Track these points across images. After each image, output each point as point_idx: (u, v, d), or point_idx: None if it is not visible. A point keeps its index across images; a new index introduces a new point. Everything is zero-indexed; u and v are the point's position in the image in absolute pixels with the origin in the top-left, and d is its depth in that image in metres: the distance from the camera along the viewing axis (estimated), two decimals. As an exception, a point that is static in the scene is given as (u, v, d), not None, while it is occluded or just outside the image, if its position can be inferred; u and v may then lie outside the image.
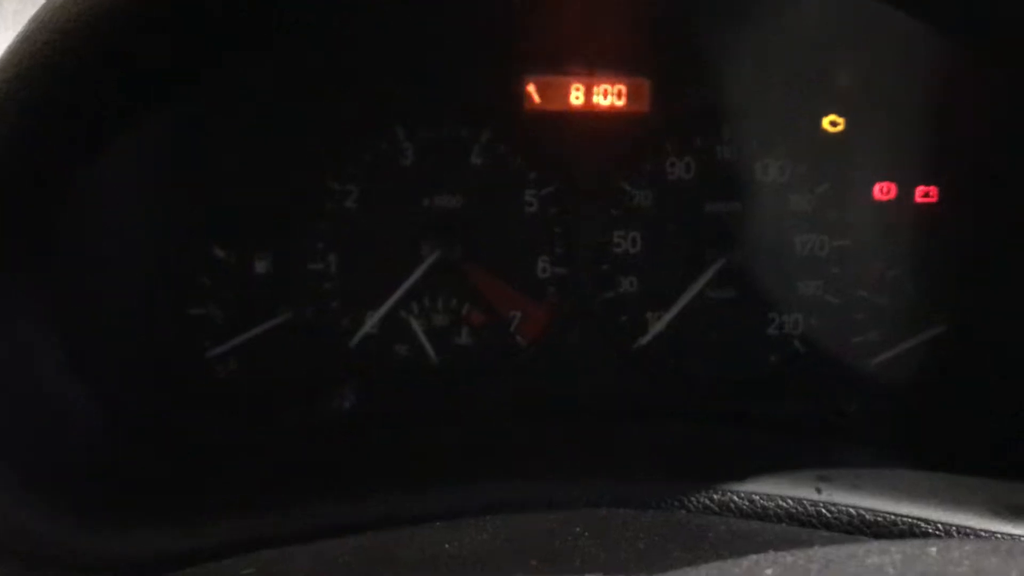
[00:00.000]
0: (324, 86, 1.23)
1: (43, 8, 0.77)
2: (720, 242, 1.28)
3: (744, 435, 1.14)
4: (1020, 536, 0.86)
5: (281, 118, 1.24)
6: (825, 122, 1.28)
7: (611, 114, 1.27)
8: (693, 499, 0.91)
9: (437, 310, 1.30)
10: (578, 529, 0.80)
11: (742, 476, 0.95)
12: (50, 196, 0.91)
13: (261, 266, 1.26)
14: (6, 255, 0.88)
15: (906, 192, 1.30)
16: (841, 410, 1.24)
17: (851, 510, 0.90)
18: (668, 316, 1.28)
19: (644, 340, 1.30)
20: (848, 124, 1.28)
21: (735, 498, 0.92)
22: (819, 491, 0.93)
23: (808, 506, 0.91)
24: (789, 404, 1.28)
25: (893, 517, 0.89)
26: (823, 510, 0.91)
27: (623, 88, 1.26)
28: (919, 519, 0.87)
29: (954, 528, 0.87)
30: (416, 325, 1.29)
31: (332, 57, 1.21)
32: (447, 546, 0.79)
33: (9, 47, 0.77)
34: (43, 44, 0.74)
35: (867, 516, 0.89)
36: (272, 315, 1.26)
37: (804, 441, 1.12)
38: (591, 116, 1.27)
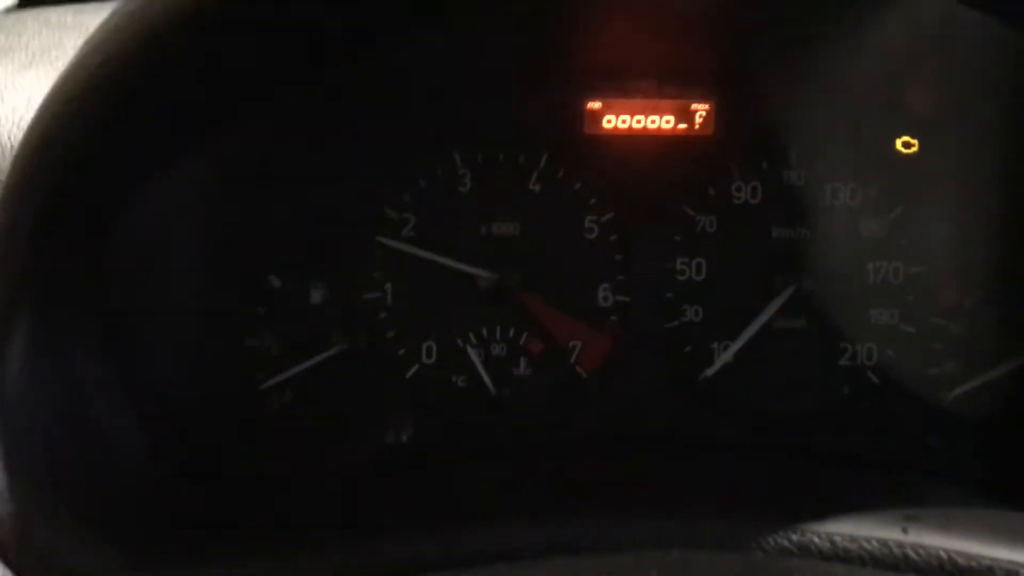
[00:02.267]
0: (379, 113, 1.21)
1: (98, 31, 0.76)
2: (789, 269, 1.24)
3: (819, 471, 1.08)
4: None
5: (336, 146, 1.22)
6: (898, 143, 1.23)
7: (673, 137, 1.24)
8: (770, 540, 0.86)
9: (495, 339, 1.26)
10: (653, 574, 0.75)
11: (821, 515, 0.89)
12: (102, 227, 0.90)
13: (317, 296, 1.24)
14: (59, 288, 0.86)
15: (984, 216, 1.24)
16: (923, 444, 1.18)
17: (941, 553, 0.84)
18: (735, 346, 1.24)
19: (710, 371, 1.25)
20: (922, 145, 1.23)
21: (815, 539, 0.86)
22: (905, 531, 0.87)
23: (894, 548, 0.85)
24: (864, 438, 1.22)
25: (989, 562, 0.82)
26: (911, 553, 0.85)
27: (686, 110, 1.23)
28: (1020, 564, 0.81)
29: (1059, 575, 0.80)
30: (474, 355, 1.25)
31: (387, 83, 1.19)
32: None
33: (63, 73, 0.76)
34: (97, 67, 0.72)
35: (960, 560, 0.83)
36: (327, 346, 1.24)
37: (884, 477, 1.06)
38: (653, 139, 1.24)
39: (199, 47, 0.78)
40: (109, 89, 0.75)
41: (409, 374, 1.25)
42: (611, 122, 1.23)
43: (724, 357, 1.24)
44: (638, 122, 1.23)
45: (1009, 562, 0.82)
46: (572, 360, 1.27)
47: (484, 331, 1.26)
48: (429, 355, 1.25)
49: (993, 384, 1.24)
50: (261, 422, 1.24)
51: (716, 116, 1.23)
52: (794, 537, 0.86)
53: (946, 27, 1.05)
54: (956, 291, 1.25)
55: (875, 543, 0.85)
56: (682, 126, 1.23)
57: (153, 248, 1.09)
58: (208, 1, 0.73)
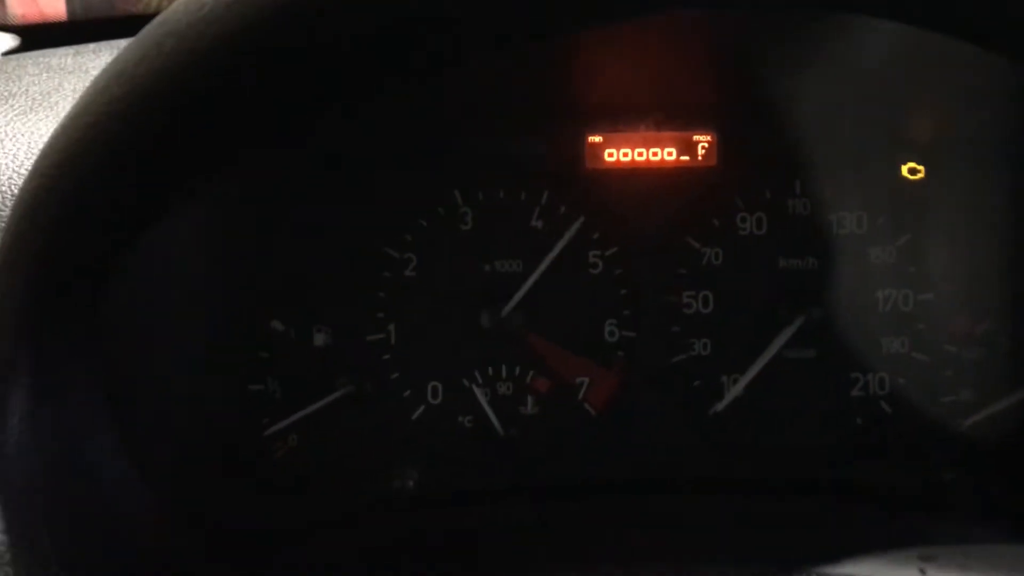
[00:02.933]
0: (379, 153, 1.21)
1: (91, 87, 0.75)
2: (797, 299, 1.22)
3: (834, 508, 1.06)
4: None
5: (336, 187, 1.21)
6: (904, 170, 1.22)
7: (676, 169, 1.22)
8: (785, 585, 0.84)
9: (501, 378, 1.25)
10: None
11: (835, 556, 0.87)
12: (101, 271, 0.89)
13: (320, 339, 1.23)
14: (54, 333, 0.85)
15: (994, 241, 1.22)
16: (938, 478, 1.16)
17: (962, 595, 0.82)
18: (745, 379, 1.21)
19: (720, 406, 1.23)
20: (929, 171, 1.21)
21: (831, 583, 0.84)
22: (923, 572, 0.85)
23: (913, 591, 0.83)
24: (879, 471, 1.20)
25: (1011, 603, 0.80)
26: (930, 595, 0.83)
27: (688, 142, 1.22)
28: (1043, 606, 0.79)
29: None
30: (480, 395, 1.24)
31: (386, 123, 1.18)
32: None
33: (61, 122, 0.75)
34: (87, 127, 0.71)
35: (981, 602, 0.81)
36: (332, 389, 1.22)
37: (901, 513, 1.04)
38: (655, 172, 1.23)
39: (199, 107, 0.77)
40: (104, 144, 0.74)
41: (415, 415, 1.23)
42: (613, 156, 1.22)
43: (734, 390, 1.22)
44: (640, 155, 1.22)
45: (1032, 603, 0.80)
46: (580, 397, 1.25)
47: (490, 370, 1.24)
48: (435, 396, 1.24)
49: (1008, 411, 1.21)
50: (266, 467, 1.23)
51: (719, 147, 1.22)
52: (810, 581, 0.84)
53: (947, 54, 1.03)
54: (968, 317, 1.23)
55: (893, 586, 0.83)
56: (685, 158, 1.22)
57: (153, 296, 1.08)
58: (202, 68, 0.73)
